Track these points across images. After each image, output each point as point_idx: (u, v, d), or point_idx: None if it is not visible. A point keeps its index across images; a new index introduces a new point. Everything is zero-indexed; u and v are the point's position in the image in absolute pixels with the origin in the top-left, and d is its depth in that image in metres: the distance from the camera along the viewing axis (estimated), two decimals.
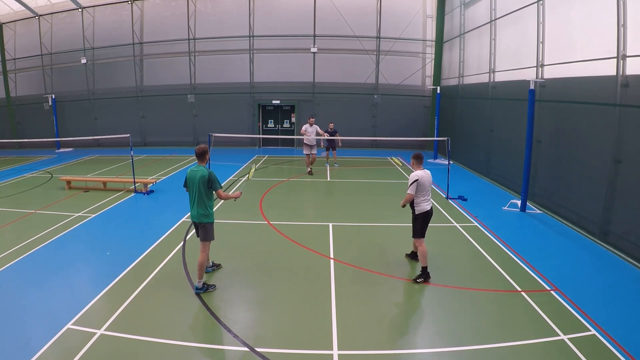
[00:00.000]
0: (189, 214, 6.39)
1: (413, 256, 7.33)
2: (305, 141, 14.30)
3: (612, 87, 7.97)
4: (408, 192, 6.58)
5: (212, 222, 6.21)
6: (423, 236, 6.73)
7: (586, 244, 8.27)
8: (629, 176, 7.57)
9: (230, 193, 6.47)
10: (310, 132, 14.13)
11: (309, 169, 14.60)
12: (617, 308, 5.76)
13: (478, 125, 15.09)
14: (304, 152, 14.56)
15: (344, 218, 9.87)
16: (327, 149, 16.06)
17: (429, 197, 6.76)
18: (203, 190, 6.02)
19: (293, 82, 21.31)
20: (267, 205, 10.77)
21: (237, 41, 21.13)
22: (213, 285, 6.33)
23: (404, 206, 6.80)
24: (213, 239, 6.29)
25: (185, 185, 6.26)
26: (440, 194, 11.98)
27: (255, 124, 21.87)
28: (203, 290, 6.16)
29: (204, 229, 6.17)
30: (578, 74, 9.28)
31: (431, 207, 6.80)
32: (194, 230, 6.53)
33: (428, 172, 6.74)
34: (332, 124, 15.69)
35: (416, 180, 6.52)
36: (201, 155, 6.17)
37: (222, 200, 6.25)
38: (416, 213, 6.71)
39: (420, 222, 6.70)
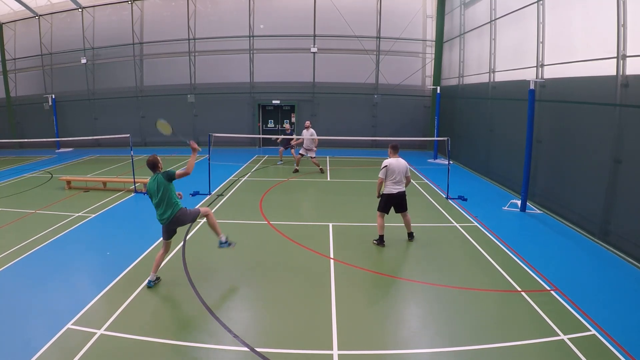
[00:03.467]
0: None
1: (410, 236, 8.10)
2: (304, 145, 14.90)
3: (612, 87, 7.97)
4: (379, 175, 7.75)
5: (179, 211, 6.23)
6: (382, 211, 7.87)
7: (586, 244, 8.27)
8: (629, 176, 7.57)
9: (187, 165, 6.33)
10: (304, 135, 14.73)
11: (297, 167, 15.17)
12: (617, 308, 5.76)
13: (478, 125, 15.09)
14: (300, 151, 15.09)
15: (344, 218, 9.87)
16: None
17: (398, 182, 7.71)
18: (166, 191, 6.11)
19: (293, 82, 21.31)
20: (267, 205, 10.77)
21: (237, 41, 21.14)
22: (234, 242, 6.75)
23: (378, 194, 7.91)
24: (199, 213, 6.45)
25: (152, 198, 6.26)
26: (440, 194, 11.98)
27: (255, 124, 21.87)
28: (227, 244, 6.62)
29: (181, 219, 6.26)
30: (578, 74, 9.28)
31: (398, 193, 7.72)
32: (168, 234, 6.42)
33: (402, 160, 7.77)
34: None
35: (385, 166, 7.66)
36: (154, 167, 6.25)
37: (187, 176, 6.24)
38: (383, 192, 7.83)
39: (383, 201, 7.85)
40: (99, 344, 4.87)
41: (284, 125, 17.70)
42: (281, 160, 17.16)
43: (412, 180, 8.38)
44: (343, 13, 20.23)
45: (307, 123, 14.93)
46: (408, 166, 7.85)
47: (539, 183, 10.79)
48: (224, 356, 4.82)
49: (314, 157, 14.78)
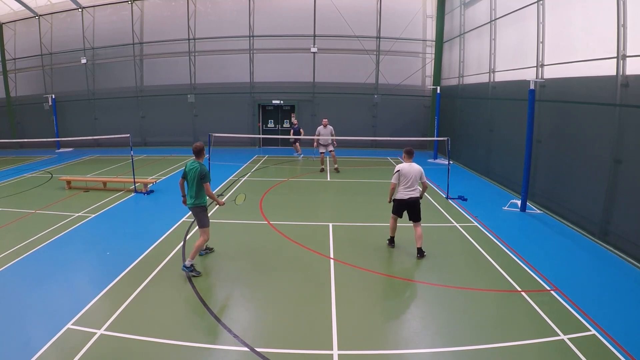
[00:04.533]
0: (190, 213, 6.49)
1: (419, 252, 7.47)
2: (320, 141, 14.98)
3: (612, 87, 7.97)
4: (391, 180, 7.51)
5: (201, 206, 6.75)
6: (394, 214, 7.71)
7: (586, 244, 8.27)
8: (629, 176, 7.58)
9: (216, 196, 7.00)
10: (323, 133, 14.80)
11: (322, 167, 15.26)
12: (617, 308, 5.76)
13: (478, 125, 15.09)
14: (320, 150, 15.12)
15: (344, 218, 9.87)
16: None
17: (410, 188, 7.41)
18: (196, 182, 6.68)
19: (293, 82, 21.31)
20: (267, 205, 10.77)
21: (237, 41, 21.14)
22: (199, 272, 6.74)
23: (390, 198, 7.67)
24: (208, 224, 6.85)
25: (183, 177, 6.90)
26: (440, 194, 11.98)
27: (255, 124, 21.88)
28: (190, 270, 6.63)
29: (197, 214, 6.78)
30: (578, 74, 9.28)
31: (409, 199, 7.42)
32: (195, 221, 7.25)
33: (415, 165, 7.45)
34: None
35: (398, 171, 7.42)
36: (199, 153, 6.81)
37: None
38: (394, 198, 7.62)
39: (395, 206, 7.65)
40: (99, 344, 4.87)
41: (292, 121, 18.31)
42: (300, 153, 18.03)
43: None
44: (343, 13, 20.22)
45: (325, 121, 14.93)
46: (423, 171, 7.47)
47: (539, 183, 10.79)
48: (224, 356, 4.82)
49: (333, 151, 14.95)
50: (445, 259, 7.50)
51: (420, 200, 7.57)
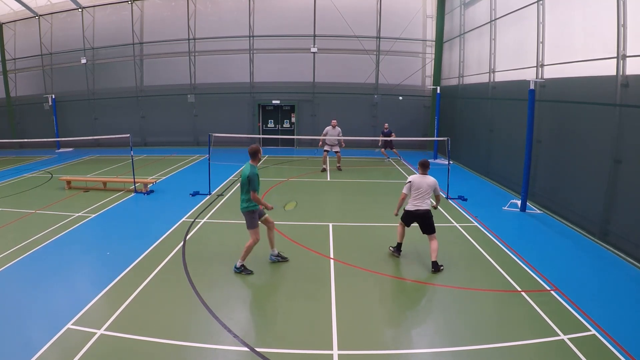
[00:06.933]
0: (190, 213, 6.44)
1: (433, 266, 6.99)
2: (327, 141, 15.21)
3: (612, 87, 7.97)
4: (402, 191, 7.32)
5: (248, 211, 6.69)
6: (402, 222, 7.45)
7: (586, 244, 8.27)
8: (629, 176, 7.58)
9: (263, 200, 6.96)
10: (330, 133, 15.05)
11: (324, 166, 15.32)
12: (617, 308, 5.76)
13: (478, 125, 15.09)
14: (325, 149, 15.28)
15: (344, 218, 9.87)
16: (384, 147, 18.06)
17: (420, 199, 7.17)
18: (244, 185, 6.63)
19: (293, 82, 21.31)
20: None
21: (237, 41, 21.14)
22: (251, 271, 6.80)
23: (397, 211, 7.43)
24: (254, 227, 6.76)
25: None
26: (441, 194, 11.97)
27: (255, 124, 21.88)
28: (240, 270, 6.76)
29: (245, 216, 6.79)
30: (578, 74, 9.28)
31: (416, 211, 7.15)
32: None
33: (429, 178, 7.24)
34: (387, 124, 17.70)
35: (409, 182, 7.27)
36: (253, 155, 6.72)
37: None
38: (404, 208, 7.42)
39: (403, 215, 7.41)
40: (99, 344, 4.87)
41: (385, 127, 17.96)
42: (388, 158, 18.10)
43: None
44: (343, 13, 20.23)
45: (334, 122, 15.10)
46: (437, 184, 7.26)
47: (539, 183, 10.78)
48: (224, 356, 4.82)
49: (339, 152, 15.16)
50: (445, 259, 7.47)
51: (434, 209, 7.46)
